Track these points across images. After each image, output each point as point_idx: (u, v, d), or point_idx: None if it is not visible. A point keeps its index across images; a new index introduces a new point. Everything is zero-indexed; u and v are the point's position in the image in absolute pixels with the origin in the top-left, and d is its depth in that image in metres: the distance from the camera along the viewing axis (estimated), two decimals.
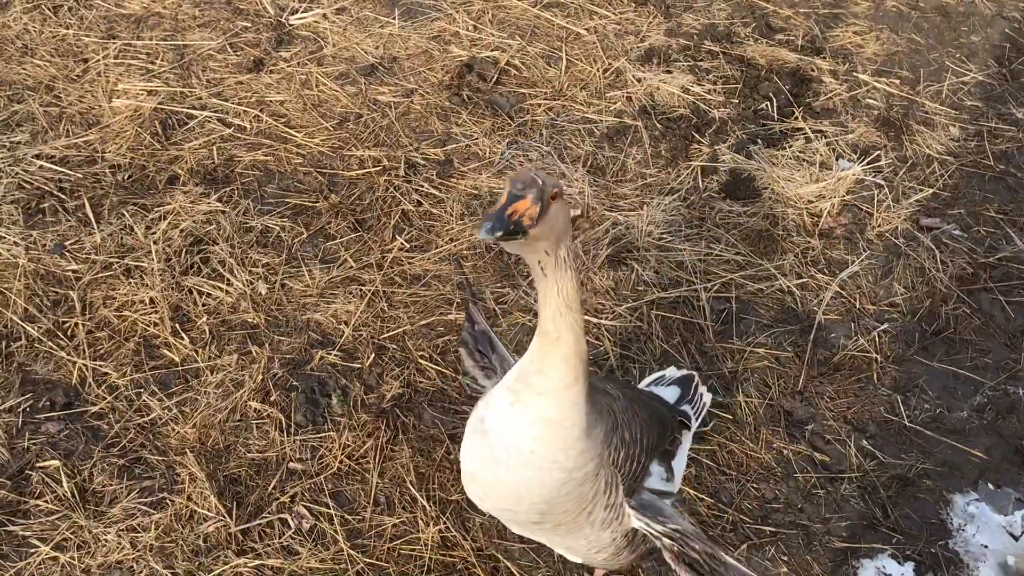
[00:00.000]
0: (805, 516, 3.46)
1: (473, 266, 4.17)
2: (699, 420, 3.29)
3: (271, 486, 3.36)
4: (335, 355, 3.76)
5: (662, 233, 4.33)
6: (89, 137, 4.49)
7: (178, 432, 3.48)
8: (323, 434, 3.51)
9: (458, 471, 3.49)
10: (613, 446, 2.52)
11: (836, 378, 3.89)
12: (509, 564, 3.26)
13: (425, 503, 3.36)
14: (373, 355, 3.77)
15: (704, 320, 4.00)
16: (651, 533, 2.57)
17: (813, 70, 5.37)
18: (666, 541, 2.55)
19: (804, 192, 4.59)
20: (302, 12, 5.32)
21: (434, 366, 3.77)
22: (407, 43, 5.25)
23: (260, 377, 3.63)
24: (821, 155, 4.81)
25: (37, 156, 4.34)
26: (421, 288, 4.07)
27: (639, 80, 5.14)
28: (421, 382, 3.72)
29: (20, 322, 3.73)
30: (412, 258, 4.18)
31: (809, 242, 4.40)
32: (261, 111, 4.73)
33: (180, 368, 3.68)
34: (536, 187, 2.10)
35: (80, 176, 4.30)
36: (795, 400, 3.80)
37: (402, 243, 4.22)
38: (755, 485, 3.52)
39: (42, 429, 3.44)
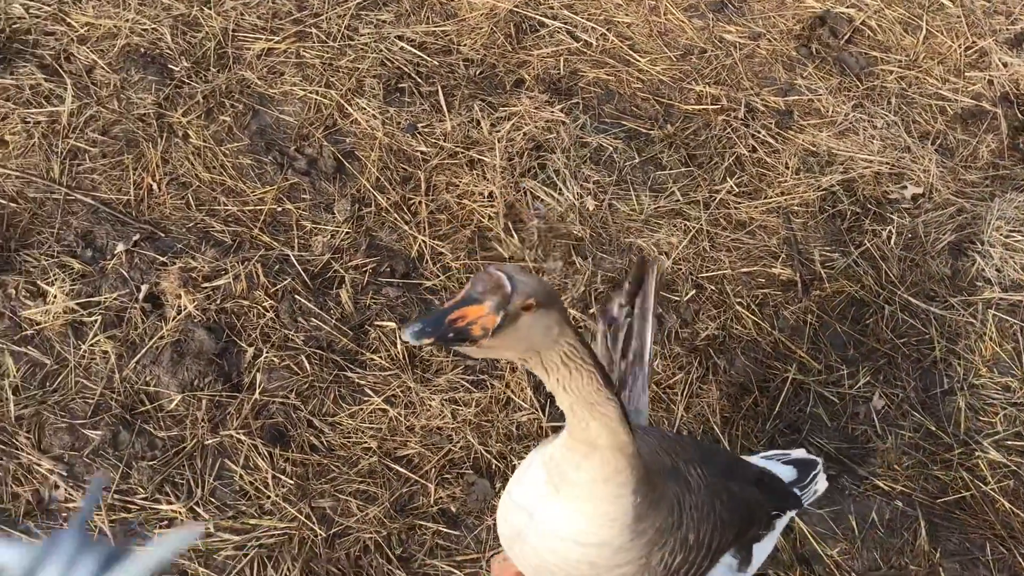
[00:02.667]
0: None
1: (803, 224, 4.06)
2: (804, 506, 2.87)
3: None
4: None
5: (1011, 230, 4.05)
6: (447, 28, 4.67)
7: None
8: None
9: (763, 421, 3.47)
10: (668, 548, 2.19)
11: None
12: (804, 526, 3.23)
13: (727, 446, 3.37)
14: (693, 292, 3.77)
15: None
16: None
17: None
18: None
19: None
20: None
21: (751, 316, 3.73)
22: None
23: (583, 289, 3.72)
24: None
25: (399, 37, 4.57)
26: (745, 235, 4.02)
27: (1005, 64, 4.77)
28: (736, 328, 3.70)
29: (372, 190, 3.98)
30: (740, 203, 4.12)
31: None
32: (608, 30, 4.76)
33: (508, 263, 3.82)
34: (500, 294, 1.77)
35: (436, 64, 4.49)
36: None
37: (732, 186, 4.16)
38: None
39: (383, 292, 3.68)
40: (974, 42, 4.90)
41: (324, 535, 3.08)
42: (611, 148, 4.26)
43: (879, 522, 3.28)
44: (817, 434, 3.49)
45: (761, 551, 2.64)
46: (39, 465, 3.15)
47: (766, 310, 3.77)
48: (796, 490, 2.83)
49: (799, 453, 3.05)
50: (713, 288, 3.81)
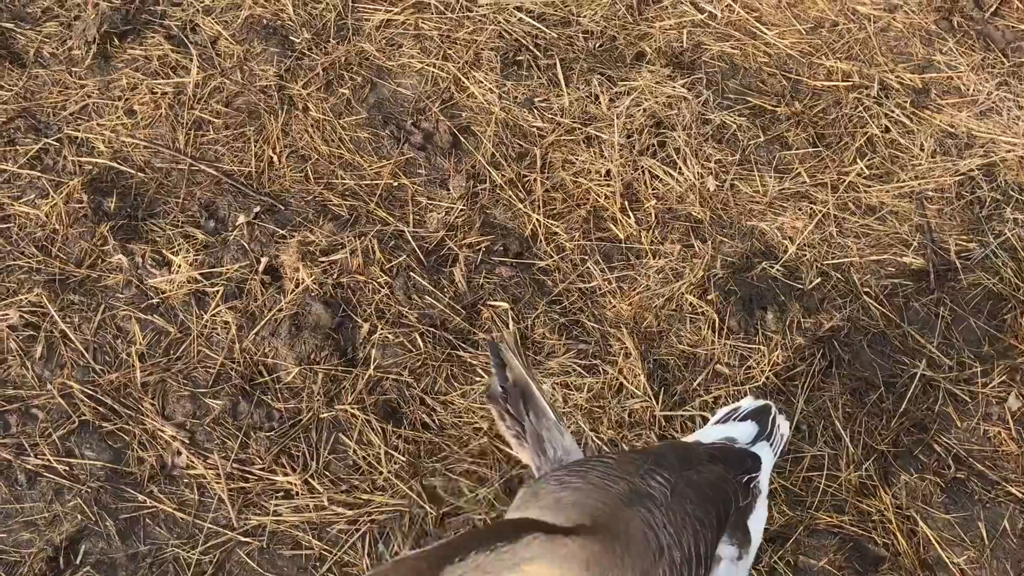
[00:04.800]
0: None
1: (938, 210, 3.85)
2: (776, 455, 2.70)
3: (696, 382, 3.37)
4: (777, 269, 3.65)
5: None
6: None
7: (615, 306, 3.56)
8: (753, 345, 3.46)
9: (888, 418, 3.32)
10: None
11: None
12: (929, 531, 3.08)
13: (849, 443, 3.24)
14: (818, 279, 3.62)
15: None
16: None
17: None
18: None
19: None
20: None
21: (879, 307, 3.56)
22: None
23: (701, 273, 3.61)
24: None
25: (518, 8, 4.49)
26: (875, 220, 3.83)
27: None
28: (862, 319, 3.54)
29: (487, 166, 3.94)
30: (870, 186, 3.93)
31: None
32: (734, 1, 4.57)
33: (623, 245, 3.74)
34: None
35: (555, 36, 4.40)
36: None
37: (862, 168, 3.97)
38: None
39: (496, 271, 3.65)
40: None
41: (435, 514, 3.10)
42: (735, 126, 4.10)
43: (1011, 531, 3.10)
44: (946, 434, 3.32)
45: (757, 522, 2.49)
46: (162, 431, 3.24)
47: (895, 301, 3.59)
48: (764, 442, 2.66)
49: (747, 403, 2.85)
50: (839, 276, 3.65)
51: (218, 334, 3.48)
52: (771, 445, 2.69)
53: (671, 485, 2.21)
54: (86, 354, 3.39)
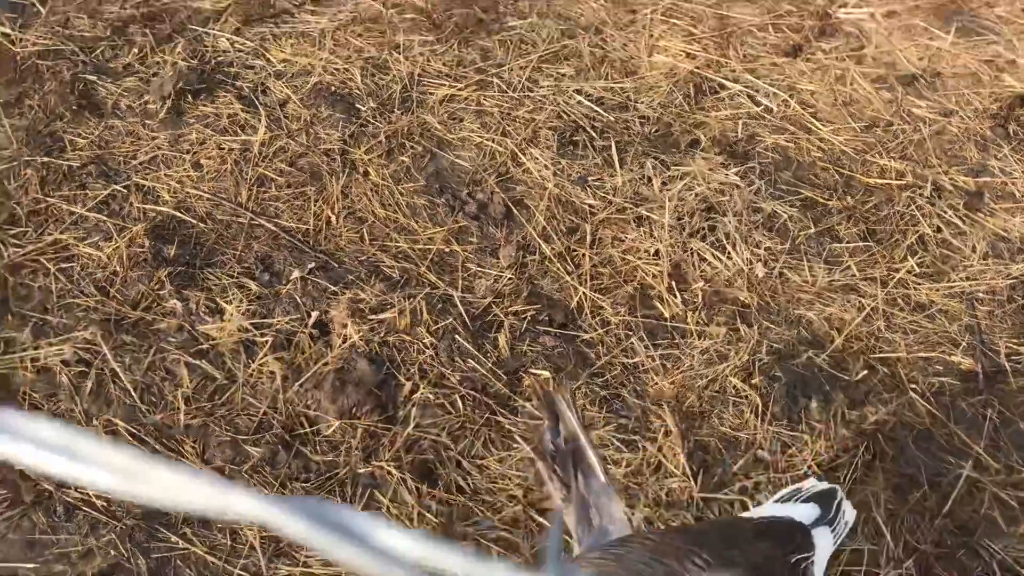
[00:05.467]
0: None
1: (989, 312, 3.82)
2: (837, 541, 2.55)
3: (737, 466, 3.33)
4: (823, 359, 3.63)
5: None
6: (625, 85, 4.69)
7: (657, 384, 3.56)
8: (796, 433, 3.42)
9: (931, 518, 3.24)
10: None
11: None
12: None
13: (890, 540, 3.16)
14: (864, 372, 3.59)
15: None
16: None
17: None
18: None
19: None
20: (851, 6, 5.16)
21: (926, 404, 3.51)
22: (955, 61, 4.90)
23: (746, 357, 3.61)
24: None
25: (578, 91, 4.62)
26: (924, 318, 3.81)
27: None
28: (908, 415, 3.49)
29: (538, 238, 4.00)
30: (920, 284, 3.92)
31: None
32: (790, 96, 4.66)
33: (668, 323, 3.75)
34: None
35: (612, 119, 4.51)
36: None
37: (912, 266, 3.97)
38: None
39: (539, 340, 3.67)
40: None
41: None
42: (786, 216, 4.14)
43: None
44: (991, 538, 3.23)
45: None
46: None
47: (942, 399, 3.54)
48: (825, 527, 2.51)
49: (811, 484, 2.75)
50: (886, 371, 3.62)
51: (263, 383, 3.52)
52: (833, 531, 2.57)
53: (710, 567, 2.12)
54: (133, 393, 3.44)
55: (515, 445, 3.39)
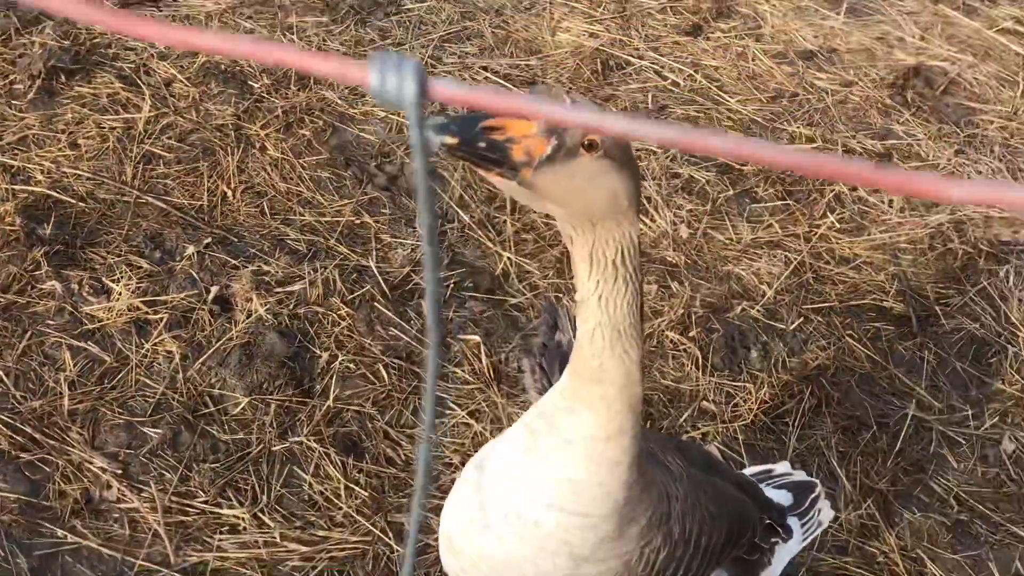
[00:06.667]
0: None
1: (913, 260, 3.80)
2: (805, 541, 2.42)
3: (683, 418, 3.15)
4: (758, 310, 3.52)
5: None
6: (531, 62, 4.56)
7: None
8: (739, 383, 3.27)
9: (884, 460, 3.13)
10: (652, 545, 1.75)
11: None
12: (939, 572, 2.85)
13: (846, 482, 3.03)
14: (800, 321, 3.49)
15: None
16: None
17: None
18: None
19: None
20: None
21: (864, 349, 3.43)
22: (848, 38, 4.98)
23: (680, 311, 3.45)
24: None
25: (484, 68, 4.46)
26: (850, 270, 3.76)
27: None
28: (848, 360, 3.40)
29: (456, 207, 3.78)
30: (840, 239, 3.87)
31: None
32: (695, 71, 4.63)
33: None
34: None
35: (523, 93, 4.36)
36: None
37: (833, 222, 3.93)
38: None
39: (466, 305, 3.43)
40: None
41: (400, 551, 2.75)
42: (703, 180, 4.05)
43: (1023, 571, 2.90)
44: (943, 476, 3.14)
45: None
46: (91, 463, 2.86)
47: (879, 344, 3.47)
48: (796, 518, 2.40)
49: (783, 468, 2.61)
50: (820, 319, 3.53)
51: (159, 363, 3.15)
52: (803, 527, 2.40)
53: (688, 472, 1.96)
54: (6, 379, 3.01)
55: (447, 411, 3.11)
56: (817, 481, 2.60)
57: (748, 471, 2.69)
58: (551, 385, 1.91)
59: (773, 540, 2.24)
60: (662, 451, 1.96)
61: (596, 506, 1.66)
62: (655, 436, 2.10)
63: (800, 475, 2.64)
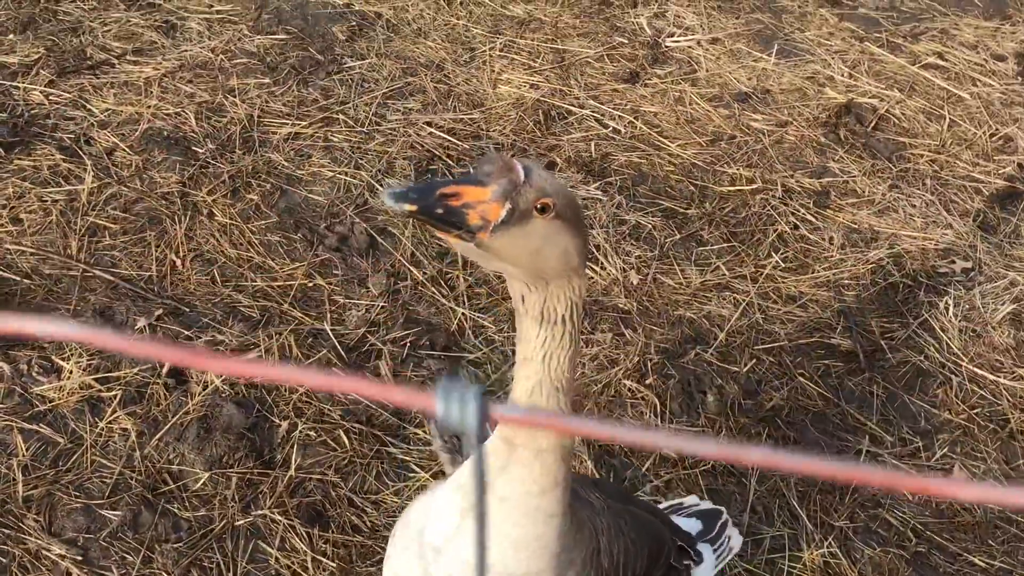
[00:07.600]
0: None
1: (857, 295, 3.90)
2: (718, 567, 2.51)
3: (645, 466, 3.19)
4: (711, 354, 3.58)
5: None
6: (474, 115, 4.62)
7: None
8: (698, 428, 3.32)
9: (841, 497, 3.19)
10: None
11: None
12: None
13: (807, 522, 3.09)
14: (752, 362, 3.56)
15: None
16: None
17: None
18: None
19: None
20: (678, 36, 5.34)
21: (816, 387, 3.51)
22: (780, 79, 5.14)
23: (636, 359, 3.50)
24: None
25: (428, 123, 4.50)
26: (797, 308, 3.85)
27: None
28: (802, 399, 3.48)
29: (408, 265, 3.80)
30: (786, 278, 3.97)
31: None
32: (635, 118, 4.73)
33: None
34: (509, 178, 1.40)
35: (467, 147, 4.41)
36: None
37: (777, 261, 4.02)
38: None
39: (423, 364, 3.44)
40: (997, 129, 4.91)
41: None
42: (650, 225, 4.13)
43: None
44: (899, 508, 3.22)
45: None
46: (48, 550, 2.80)
47: (829, 381, 3.55)
48: (707, 544, 2.49)
49: (693, 500, 2.76)
50: (772, 360, 3.61)
51: (115, 442, 3.10)
52: (715, 552, 2.51)
53: (607, 504, 2.02)
54: None
55: (411, 474, 3.11)
56: (723, 509, 2.69)
57: (663, 504, 2.80)
58: (460, 447, 1.94)
59: (686, 562, 2.32)
60: (582, 487, 2.00)
61: (535, 560, 1.69)
62: (580, 481, 2.13)
63: (707, 504, 2.76)
